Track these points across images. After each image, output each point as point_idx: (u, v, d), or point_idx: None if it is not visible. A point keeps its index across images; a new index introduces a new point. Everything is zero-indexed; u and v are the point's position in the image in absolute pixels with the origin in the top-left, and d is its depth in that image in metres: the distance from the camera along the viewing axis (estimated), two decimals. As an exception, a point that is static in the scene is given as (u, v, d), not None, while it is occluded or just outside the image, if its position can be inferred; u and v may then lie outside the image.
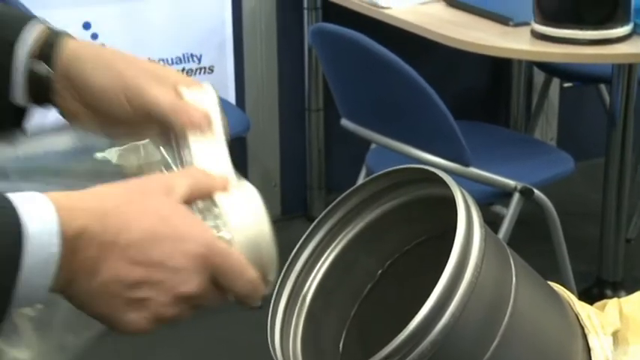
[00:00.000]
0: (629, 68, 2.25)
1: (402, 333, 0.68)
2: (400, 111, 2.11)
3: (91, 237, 0.63)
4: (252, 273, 0.68)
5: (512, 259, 0.77)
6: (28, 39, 0.79)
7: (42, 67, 0.79)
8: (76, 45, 0.80)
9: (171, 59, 2.79)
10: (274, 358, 0.74)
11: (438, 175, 0.78)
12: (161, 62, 2.77)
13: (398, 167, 0.82)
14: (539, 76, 3.17)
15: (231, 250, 0.67)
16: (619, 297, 0.87)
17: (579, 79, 3.02)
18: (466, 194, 0.76)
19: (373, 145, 2.33)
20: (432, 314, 0.69)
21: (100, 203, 0.64)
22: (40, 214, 0.61)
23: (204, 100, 0.77)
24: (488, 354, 0.71)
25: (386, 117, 2.17)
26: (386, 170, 0.83)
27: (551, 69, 2.93)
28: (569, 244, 2.21)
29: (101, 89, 0.78)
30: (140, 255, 0.64)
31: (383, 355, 0.69)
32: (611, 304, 0.84)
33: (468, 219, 0.73)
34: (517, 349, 0.74)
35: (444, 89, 2.15)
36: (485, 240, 0.73)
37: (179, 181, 0.68)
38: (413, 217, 0.84)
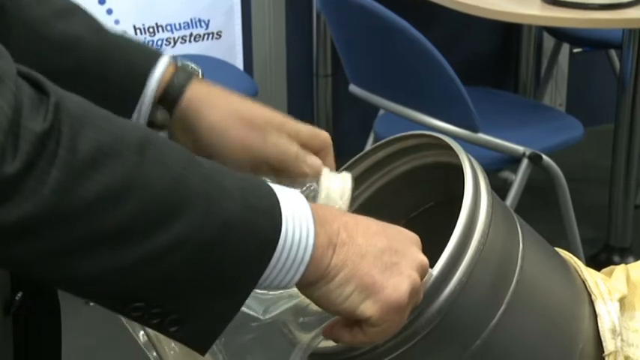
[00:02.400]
0: (639, 33, 2.23)
1: (408, 299, 0.69)
2: (409, 77, 2.10)
3: (334, 214, 0.67)
4: None
5: (520, 226, 0.77)
6: (157, 76, 0.81)
7: (162, 113, 0.81)
8: (197, 91, 0.82)
9: (179, 24, 2.78)
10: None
11: (445, 142, 0.78)
12: (169, 27, 2.76)
13: (406, 133, 0.82)
14: (548, 42, 3.15)
15: None
16: (627, 263, 0.87)
17: (589, 44, 2.99)
18: (473, 161, 0.76)
19: (381, 111, 2.32)
20: (439, 280, 0.69)
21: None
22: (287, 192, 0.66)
23: (337, 188, 0.79)
24: (495, 320, 0.72)
25: (394, 83, 2.16)
26: (394, 136, 0.82)
27: (561, 34, 2.90)
28: (577, 210, 2.21)
29: (219, 133, 0.81)
30: (379, 229, 0.68)
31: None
32: (619, 270, 0.84)
33: (475, 185, 0.73)
34: (524, 315, 0.74)
35: (453, 55, 2.14)
36: (492, 206, 0.73)
37: None
38: (420, 184, 0.84)
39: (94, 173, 0.57)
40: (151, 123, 0.82)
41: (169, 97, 0.81)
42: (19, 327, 0.79)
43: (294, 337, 0.71)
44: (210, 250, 0.60)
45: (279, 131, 0.81)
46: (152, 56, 0.82)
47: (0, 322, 0.76)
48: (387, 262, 0.66)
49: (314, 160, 0.80)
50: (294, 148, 0.81)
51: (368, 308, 0.65)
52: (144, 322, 0.61)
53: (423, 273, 0.68)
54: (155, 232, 0.58)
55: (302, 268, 0.63)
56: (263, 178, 0.75)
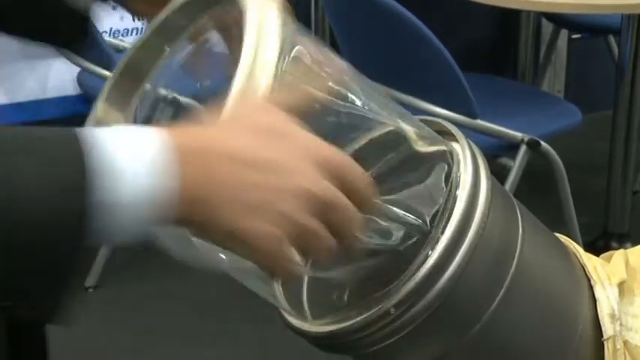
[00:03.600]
0: (638, 19, 2.23)
1: (408, 283, 0.69)
2: (407, 63, 2.10)
3: (193, 148, 0.58)
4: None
5: (519, 211, 0.77)
6: None
7: None
8: None
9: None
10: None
11: (444, 127, 0.78)
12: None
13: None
14: (547, 28, 3.14)
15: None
16: (625, 249, 0.87)
17: (588, 30, 2.99)
18: (473, 146, 0.76)
19: (380, 98, 2.32)
20: (439, 264, 0.69)
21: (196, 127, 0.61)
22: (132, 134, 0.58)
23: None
24: (494, 304, 0.72)
25: (393, 69, 2.16)
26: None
27: (559, 20, 2.90)
28: (575, 196, 2.21)
29: None
30: (256, 153, 0.59)
31: (388, 306, 0.69)
32: (618, 255, 0.84)
33: (474, 170, 0.73)
34: (523, 299, 0.74)
35: (452, 41, 2.14)
36: (492, 191, 0.73)
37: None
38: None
39: None
40: None
41: None
42: None
43: None
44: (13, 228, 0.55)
45: None
46: None
47: None
48: (250, 203, 0.58)
49: None
50: None
51: (233, 247, 0.60)
52: None
53: (312, 197, 0.58)
54: None
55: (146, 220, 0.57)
56: None
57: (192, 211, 0.58)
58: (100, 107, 0.76)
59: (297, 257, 0.61)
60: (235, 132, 0.60)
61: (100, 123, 0.75)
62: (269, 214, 0.58)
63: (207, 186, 0.58)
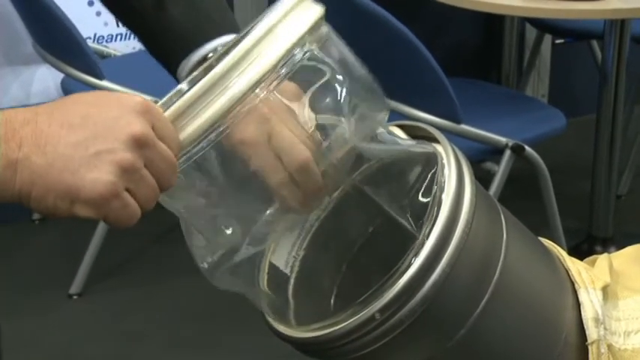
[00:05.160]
0: (621, 24, 2.24)
1: (392, 288, 0.69)
2: (391, 68, 2.10)
3: (24, 119, 0.63)
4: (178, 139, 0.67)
5: (503, 216, 0.77)
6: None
7: None
8: None
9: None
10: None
11: (429, 132, 0.78)
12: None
13: (389, 124, 0.82)
14: (531, 33, 3.15)
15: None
16: (609, 253, 0.87)
17: (571, 35, 3.00)
18: (457, 150, 0.76)
19: (364, 103, 2.32)
20: (423, 270, 0.69)
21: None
22: None
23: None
24: (479, 309, 0.72)
25: (378, 75, 2.16)
26: (377, 127, 0.82)
27: (543, 25, 2.91)
28: (559, 200, 2.22)
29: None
30: (77, 118, 0.63)
31: (373, 311, 0.69)
32: (602, 259, 0.85)
33: (458, 175, 0.73)
34: (507, 304, 0.74)
35: (436, 46, 2.14)
36: (476, 196, 0.73)
37: None
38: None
39: None
40: None
41: None
42: None
43: None
44: None
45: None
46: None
47: None
48: (83, 158, 0.62)
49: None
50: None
51: (80, 210, 0.63)
52: None
53: (136, 138, 0.63)
54: None
55: None
56: None
57: (27, 177, 0.62)
58: None
59: (131, 202, 0.64)
60: (62, 105, 0.65)
61: None
62: (103, 163, 0.62)
63: (40, 150, 0.62)
